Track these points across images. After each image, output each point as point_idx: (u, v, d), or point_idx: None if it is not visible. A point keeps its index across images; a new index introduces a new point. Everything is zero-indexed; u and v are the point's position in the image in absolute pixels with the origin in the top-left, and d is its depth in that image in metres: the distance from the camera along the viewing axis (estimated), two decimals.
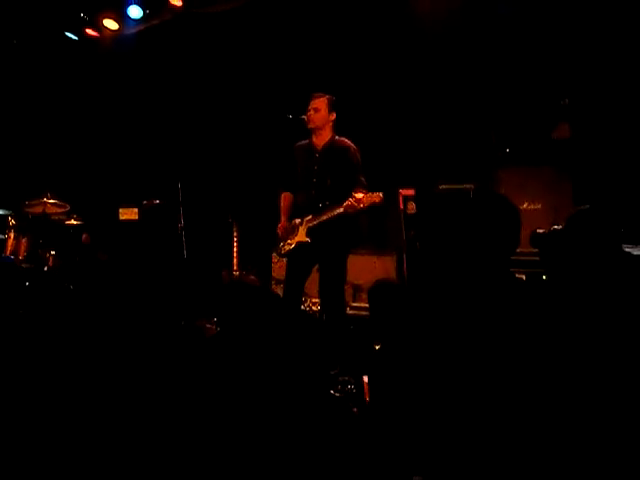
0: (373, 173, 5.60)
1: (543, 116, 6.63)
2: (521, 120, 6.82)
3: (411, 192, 6.63)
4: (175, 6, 8.50)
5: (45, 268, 7.44)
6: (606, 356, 2.46)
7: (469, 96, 7.18)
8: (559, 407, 2.37)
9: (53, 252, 7.56)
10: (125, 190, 8.84)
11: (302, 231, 5.49)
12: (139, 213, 8.19)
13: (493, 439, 2.36)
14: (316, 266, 5.59)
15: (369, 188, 5.39)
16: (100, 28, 9.06)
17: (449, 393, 2.51)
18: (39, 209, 7.71)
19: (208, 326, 6.38)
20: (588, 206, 3.06)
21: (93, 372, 3.62)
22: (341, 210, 5.23)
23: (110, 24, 8.96)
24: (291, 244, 5.56)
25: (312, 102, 5.54)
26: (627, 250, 3.63)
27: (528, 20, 6.70)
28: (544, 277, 4.95)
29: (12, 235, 7.49)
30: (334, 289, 5.44)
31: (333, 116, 5.56)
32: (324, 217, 5.36)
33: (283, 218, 5.71)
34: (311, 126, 5.55)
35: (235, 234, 8.04)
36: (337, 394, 4.45)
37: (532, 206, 6.11)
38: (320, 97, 5.54)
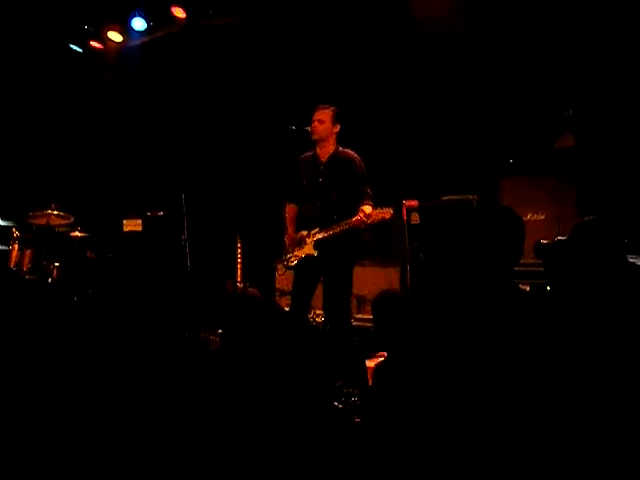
0: (376, 184, 5.61)
1: (547, 126, 6.63)
2: (525, 130, 6.82)
3: (414, 203, 6.62)
4: (179, 18, 8.53)
5: (49, 280, 7.44)
6: (611, 367, 2.45)
7: (473, 106, 7.19)
8: (565, 418, 2.36)
9: (57, 264, 7.56)
10: (129, 201, 8.85)
11: (309, 244, 5.48)
12: (143, 224, 8.19)
13: (497, 449, 2.35)
14: (321, 278, 5.58)
15: (374, 199, 5.41)
16: (104, 40, 9.09)
17: (453, 404, 2.50)
18: (43, 220, 7.71)
19: (212, 338, 6.37)
20: (592, 217, 3.05)
21: (96, 382, 3.61)
22: (350, 225, 5.23)
23: (114, 36, 8.98)
24: (298, 256, 5.56)
25: (317, 113, 5.54)
26: (632, 261, 3.63)
27: (532, 31, 6.70)
28: (548, 288, 4.94)
29: (16, 247, 7.49)
30: (340, 302, 5.44)
31: (337, 128, 5.56)
32: (332, 231, 5.36)
33: (290, 229, 5.71)
34: (315, 137, 5.55)
35: (239, 245, 8.03)
36: (341, 405, 4.44)
37: (536, 216, 6.11)
38: (325, 109, 5.54)
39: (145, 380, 3.62)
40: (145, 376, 3.68)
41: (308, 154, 5.72)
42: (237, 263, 8.00)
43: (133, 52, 9.17)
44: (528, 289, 5.29)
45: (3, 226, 7.74)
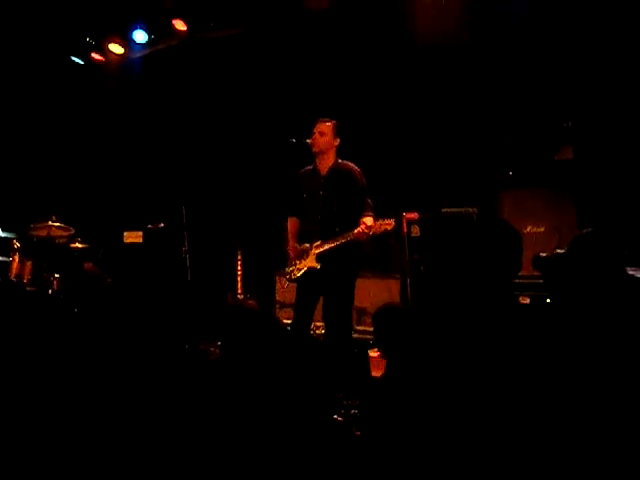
0: (377, 196, 5.62)
1: (546, 139, 6.64)
2: (524, 143, 6.83)
3: (415, 216, 6.63)
4: (180, 31, 8.56)
5: (49, 291, 7.45)
6: (611, 378, 2.45)
7: (472, 119, 7.21)
8: (564, 429, 2.37)
9: (57, 275, 7.57)
10: (130, 214, 8.87)
11: (312, 257, 5.49)
12: (144, 236, 8.21)
13: (495, 462, 2.35)
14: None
15: (375, 211, 5.42)
16: (105, 52, 9.12)
17: (454, 416, 2.50)
18: (44, 232, 7.73)
19: (212, 349, 6.37)
20: (591, 229, 3.06)
21: (96, 393, 3.61)
22: (352, 237, 5.25)
23: (115, 48, 9.02)
24: (300, 269, 5.56)
25: (317, 126, 5.56)
26: (631, 273, 3.63)
27: (530, 43, 6.73)
28: (548, 300, 4.94)
29: (17, 258, 7.51)
30: (341, 314, 5.44)
31: (337, 141, 5.58)
32: (334, 244, 5.37)
33: (292, 242, 5.72)
34: (315, 150, 5.57)
35: (239, 257, 8.04)
36: (340, 418, 4.43)
37: (535, 229, 6.11)
38: (326, 121, 5.57)
39: (145, 391, 3.62)
40: (145, 387, 3.68)
41: (308, 168, 5.74)
42: (237, 275, 8.01)
43: (134, 64, 9.21)
44: (528, 301, 5.29)
45: (4, 237, 7.76)
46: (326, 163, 5.61)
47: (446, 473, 2.41)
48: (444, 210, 6.52)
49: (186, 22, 8.48)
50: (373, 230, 5.19)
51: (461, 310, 2.92)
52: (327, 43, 7.99)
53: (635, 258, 4.14)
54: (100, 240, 8.43)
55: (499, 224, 2.99)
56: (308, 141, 5.58)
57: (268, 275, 7.98)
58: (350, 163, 5.62)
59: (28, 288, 7.35)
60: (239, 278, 8.00)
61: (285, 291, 6.73)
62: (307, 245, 5.55)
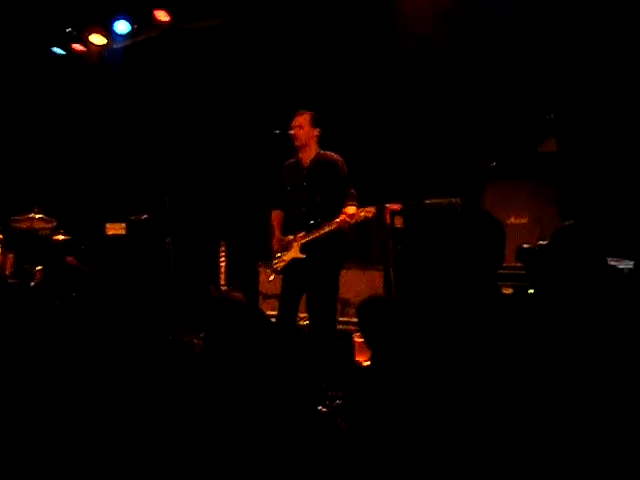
0: (359, 187, 5.63)
1: (529, 131, 6.66)
2: (507, 134, 6.84)
3: (398, 207, 6.64)
4: (162, 21, 8.52)
5: (32, 283, 7.41)
6: (592, 369, 2.47)
7: (455, 110, 7.22)
8: (546, 420, 2.38)
9: (40, 268, 7.53)
10: (112, 205, 8.83)
11: (296, 247, 5.49)
12: (126, 228, 8.18)
13: (483, 453, 2.37)
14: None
15: (358, 200, 5.43)
16: (87, 43, 9.07)
17: (439, 407, 2.52)
18: (26, 224, 7.70)
19: (195, 341, 6.36)
20: (572, 221, 3.08)
21: (78, 385, 3.60)
22: (334, 227, 5.26)
23: (97, 39, 8.97)
24: (285, 261, 5.57)
25: (295, 119, 5.56)
26: (612, 264, 3.66)
27: (513, 35, 6.75)
28: (530, 291, 4.97)
29: None
30: (325, 305, 5.45)
31: (317, 131, 5.58)
32: (317, 234, 5.38)
33: (276, 233, 5.72)
34: (297, 143, 5.58)
35: (222, 249, 8.03)
36: (325, 409, 4.44)
37: (518, 220, 6.13)
38: (302, 114, 5.57)
39: (128, 383, 3.62)
40: (128, 379, 3.67)
41: (292, 160, 5.74)
42: (220, 267, 8.00)
43: (116, 55, 9.16)
44: (511, 292, 5.32)
45: None
46: (308, 154, 5.61)
47: (432, 464, 2.43)
48: (427, 201, 6.53)
49: (168, 13, 8.44)
50: (355, 219, 5.20)
51: (444, 301, 2.93)
52: (309, 33, 7.98)
53: (616, 249, 4.18)
54: (82, 232, 8.39)
55: (482, 216, 3.00)
56: (291, 133, 5.58)
57: (251, 266, 7.97)
58: (332, 153, 5.63)
59: (10, 280, 7.32)
60: (222, 270, 7.99)
61: (269, 283, 6.72)
62: (291, 237, 5.55)
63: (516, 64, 6.77)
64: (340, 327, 6.40)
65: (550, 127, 6.38)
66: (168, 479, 2.77)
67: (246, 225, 8.41)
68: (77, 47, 9.12)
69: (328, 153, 5.64)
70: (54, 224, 7.96)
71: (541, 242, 3.62)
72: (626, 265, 4.27)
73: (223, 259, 7.94)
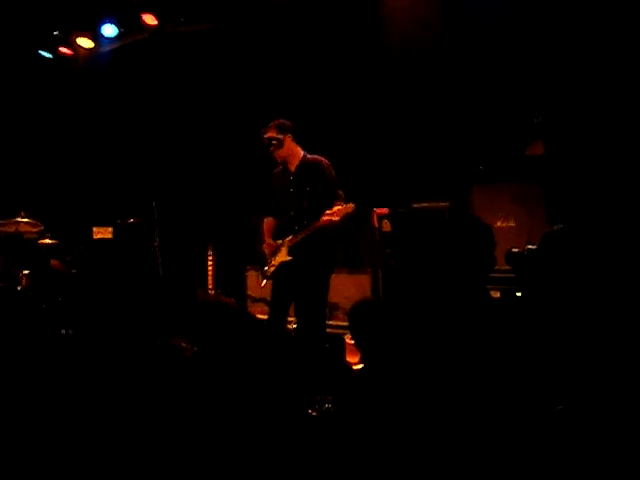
0: (347, 192, 5.62)
1: (517, 134, 6.68)
2: (495, 138, 6.87)
3: (385, 211, 6.66)
4: (149, 25, 8.51)
5: (18, 287, 7.38)
6: (581, 371, 2.49)
7: (442, 114, 7.24)
8: (534, 421, 2.40)
9: (26, 272, 7.49)
10: (99, 209, 8.81)
11: (284, 251, 5.50)
12: (114, 232, 8.16)
13: (471, 453, 2.38)
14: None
15: (346, 201, 5.43)
16: (74, 46, 9.04)
17: (430, 408, 2.53)
18: (12, 228, 7.66)
19: (184, 345, 6.35)
20: (561, 225, 3.10)
21: (67, 389, 3.60)
22: (317, 226, 5.27)
23: (84, 42, 8.95)
24: (274, 265, 5.57)
25: (264, 138, 5.55)
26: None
27: (501, 38, 6.77)
28: (518, 294, 4.99)
29: None
30: (313, 309, 5.45)
31: (289, 136, 5.56)
32: (303, 234, 5.38)
33: (267, 239, 5.72)
34: (279, 160, 5.61)
35: (210, 252, 8.02)
36: (315, 413, 4.45)
37: (506, 223, 6.15)
38: (267, 130, 5.56)
39: (117, 386, 3.62)
40: (117, 382, 3.67)
41: (279, 167, 5.74)
42: (208, 270, 7.99)
43: (103, 58, 9.15)
44: (499, 295, 5.33)
45: None
46: (293, 161, 5.61)
47: (423, 465, 2.44)
48: (415, 205, 6.54)
49: (156, 16, 8.44)
50: (336, 216, 5.18)
51: (434, 305, 2.94)
52: (297, 37, 7.99)
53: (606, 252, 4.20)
54: (69, 236, 8.36)
55: (471, 221, 3.01)
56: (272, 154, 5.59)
57: (239, 270, 7.97)
58: (318, 156, 5.62)
59: None
60: (210, 273, 7.98)
61: (261, 288, 6.72)
62: (279, 242, 5.57)
63: (503, 67, 6.80)
64: (329, 331, 6.40)
65: (538, 130, 6.40)
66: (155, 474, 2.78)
67: (233, 229, 8.41)
68: (64, 50, 9.08)
69: (314, 156, 5.63)
70: (41, 228, 7.92)
71: (530, 246, 3.64)
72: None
73: (211, 263, 7.93)
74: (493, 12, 6.74)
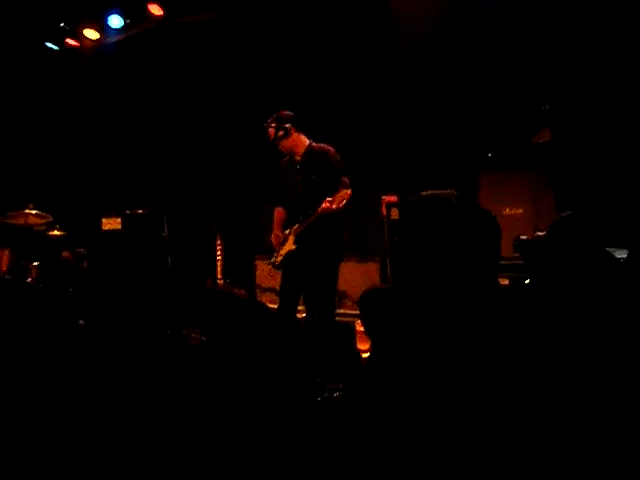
0: (356, 180, 5.61)
1: (524, 121, 6.67)
2: (503, 125, 6.86)
3: (394, 199, 6.65)
4: (155, 15, 8.51)
5: (28, 279, 7.40)
6: (593, 359, 2.48)
7: (450, 102, 7.22)
8: (547, 413, 2.39)
9: (36, 263, 7.51)
10: (108, 200, 8.82)
11: (291, 240, 5.52)
12: (122, 223, 8.17)
13: (482, 447, 2.38)
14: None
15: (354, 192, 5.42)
16: (81, 38, 9.05)
17: (440, 398, 2.53)
18: (21, 220, 7.67)
19: (194, 335, 6.37)
20: (569, 212, 3.09)
21: (77, 380, 3.61)
22: (318, 213, 5.27)
23: (91, 34, 8.95)
24: (282, 255, 5.59)
25: (268, 134, 5.57)
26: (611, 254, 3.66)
27: (508, 26, 6.75)
28: (527, 281, 4.99)
29: None
30: (323, 298, 5.46)
31: (291, 128, 5.55)
32: (307, 223, 5.39)
33: (276, 230, 5.73)
34: (285, 152, 5.61)
35: (218, 242, 8.02)
36: (324, 402, 4.46)
37: (514, 211, 6.15)
38: (269, 126, 5.57)
39: (127, 377, 3.63)
40: (127, 373, 3.68)
41: (286, 157, 5.74)
42: (217, 260, 8.00)
43: (110, 49, 9.15)
44: (507, 283, 5.33)
45: None
46: (299, 150, 5.60)
47: (432, 460, 2.44)
48: (423, 193, 6.54)
49: (161, 6, 8.43)
50: (334, 203, 5.19)
51: (441, 294, 2.94)
52: (304, 27, 7.97)
53: (615, 238, 4.20)
54: (78, 227, 8.38)
55: (476, 211, 3.00)
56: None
57: (248, 260, 7.98)
58: (324, 145, 5.60)
59: (6, 277, 7.32)
60: (219, 263, 7.99)
61: (265, 276, 6.74)
62: (287, 231, 5.58)
63: (510, 55, 6.78)
64: (338, 319, 6.41)
65: (545, 117, 6.39)
66: (168, 472, 2.79)
67: (242, 218, 8.42)
68: (71, 42, 9.09)
69: (320, 145, 5.61)
70: (49, 219, 7.93)
71: (539, 233, 3.64)
72: (622, 254, 4.28)
73: (219, 253, 7.93)
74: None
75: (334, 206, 5.19)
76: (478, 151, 6.76)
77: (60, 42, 9.13)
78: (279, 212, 5.80)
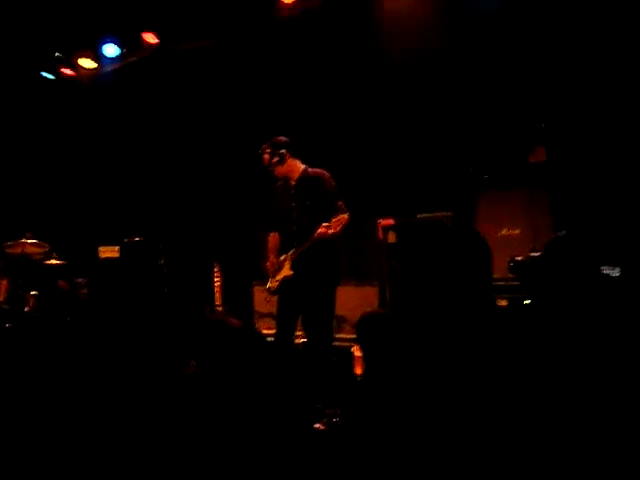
0: (351, 204, 5.60)
1: (520, 141, 6.67)
2: (498, 145, 6.86)
3: (390, 222, 6.64)
4: (150, 44, 8.55)
5: (26, 309, 7.38)
6: (590, 377, 2.47)
7: (445, 123, 7.24)
8: (543, 430, 2.38)
9: (34, 293, 7.50)
10: (105, 228, 8.82)
11: (287, 266, 5.50)
12: (120, 251, 8.15)
13: (479, 464, 2.36)
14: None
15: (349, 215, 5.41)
16: (76, 67, 9.09)
17: (439, 419, 2.51)
18: (18, 250, 7.67)
19: (192, 363, 6.33)
20: (565, 231, 3.09)
21: (74, 405, 3.60)
22: (314, 238, 5.25)
23: (86, 63, 8.99)
24: (278, 280, 5.57)
25: (263, 159, 5.58)
26: (606, 272, 3.65)
27: (503, 46, 6.78)
28: (525, 302, 4.97)
29: None
30: (320, 323, 5.42)
31: (286, 153, 5.56)
32: (302, 248, 5.37)
33: (271, 256, 5.71)
34: (279, 177, 5.61)
35: (216, 269, 8.01)
36: (323, 427, 4.43)
37: (511, 231, 6.14)
38: (263, 153, 5.59)
39: (124, 404, 3.61)
40: (124, 400, 3.66)
41: (280, 182, 5.74)
42: (214, 287, 7.98)
43: (106, 78, 9.18)
44: (506, 304, 5.31)
45: None
46: (294, 175, 5.61)
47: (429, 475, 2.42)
48: (419, 215, 6.53)
49: (156, 35, 8.48)
50: (331, 228, 5.18)
51: (439, 316, 2.93)
52: (297, 51, 8.01)
53: (609, 257, 4.18)
54: (76, 256, 8.36)
55: (466, 235, 2.99)
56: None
57: (246, 286, 7.96)
58: (319, 170, 5.60)
59: (4, 306, 7.30)
60: (217, 290, 7.96)
61: (263, 302, 6.70)
62: (282, 257, 5.56)
63: (505, 74, 6.80)
64: (336, 344, 6.37)
65: (540, 136, 6.39)
66: None
67: (239, 244, 8.41)
68: (66, 71, 9.13)
69: (314, 170, 5.62)
70: (47, 249, 7.93)
71: (533, 254, 3.63)
72: (615, 273, 4.27)
73: (218, 279, 7.91)
74: (494, 18, 6.75)
75: (330, 231, 5.18)
76: (476, 172, 6.75)
77: (56, 72, 9.16)
78: (273, 237, 5.79)
